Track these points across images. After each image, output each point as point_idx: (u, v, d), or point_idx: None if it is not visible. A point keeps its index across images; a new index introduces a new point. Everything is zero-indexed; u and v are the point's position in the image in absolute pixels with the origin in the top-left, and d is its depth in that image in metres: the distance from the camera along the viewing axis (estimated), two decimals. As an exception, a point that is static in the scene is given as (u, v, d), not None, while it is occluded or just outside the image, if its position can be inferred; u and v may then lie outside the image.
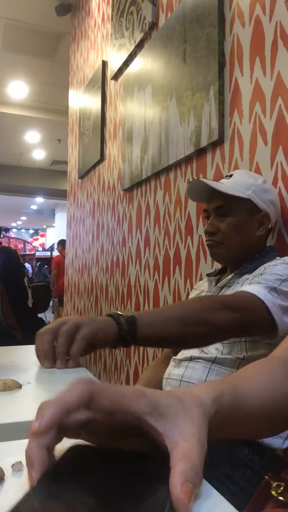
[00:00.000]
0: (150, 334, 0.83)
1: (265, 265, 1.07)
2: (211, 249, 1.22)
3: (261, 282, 0.98)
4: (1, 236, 2.84)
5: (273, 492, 0.40)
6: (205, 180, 1.17)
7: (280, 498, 0.39)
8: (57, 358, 0.76)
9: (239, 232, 1.17)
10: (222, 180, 1.21)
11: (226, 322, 0.89)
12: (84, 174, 3.39)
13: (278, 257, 1.12)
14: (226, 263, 1.25)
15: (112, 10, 2.78)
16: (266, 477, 0.44)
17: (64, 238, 4.20)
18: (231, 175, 1.20)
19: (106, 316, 0.82)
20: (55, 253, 13.41)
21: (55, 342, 0.78)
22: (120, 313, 0.81)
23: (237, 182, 1.17)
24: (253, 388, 0.39)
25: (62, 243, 7.07)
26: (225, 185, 1.17)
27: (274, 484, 0.40)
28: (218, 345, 1.09)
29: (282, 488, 0.40)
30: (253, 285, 0.99)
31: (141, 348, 2.21)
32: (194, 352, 1.11)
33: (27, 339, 2.18)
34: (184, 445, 0.30)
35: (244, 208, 1.17)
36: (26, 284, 2.47)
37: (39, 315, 2.76)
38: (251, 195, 1.16)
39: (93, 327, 0.77)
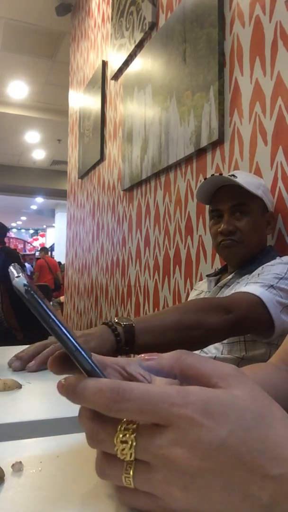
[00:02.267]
0: (147, 341, 0.82)
1: (264, 265, 1.07)
2: (229, 249, 1.17)
3: (258, 282, 0.99)
4: (5, 235, 2.84)
5: None
6: (226, 176, 1.15)
7: None
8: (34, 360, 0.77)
9: (257, 231, 1.17)
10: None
11: (220, 324, 0.89)
12: (84, 174, 3.39)
13: (278, 257, 1.12)
14: (239, 264, 1.19)
15: (112, 10, 2.78)
16: None
17: (62, 239, 4.27)
18: (234, 175, 1.18)
19: (102, 324, 0.81)
20: (54, 253, 13.46)
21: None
22: (117, 321, 0.80)
23: (248, 181, 1.16)
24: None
25: (44, 249, 9.57)
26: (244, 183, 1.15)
27: None
28: (217, 345, 1.09)
29: None
30: (250, 285, 0.99)
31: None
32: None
33: (28, 339, 2.18)
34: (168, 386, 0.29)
35: (258, 207, 1.18)
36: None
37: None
38: (262, 194, 1.17)
39: (86, 342, 0.75)
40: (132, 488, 0.29)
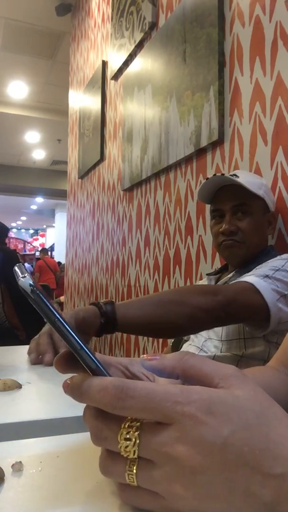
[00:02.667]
0: (128, 312, 0.87)
1: (263, 263, 1.08)
2: (230, 250, 1.17)
3: (253, 274, 0.99)
4: (7, 235, 2.83)
5: None
6: (228, 176, 1.15)
7: None
8: (43, 355, 0.84)
9: (258, 231, 1.17)
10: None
11: (207, 303, 0.89)
12: (84, 174, 3.39)
13: (278, 256, 1.13)
14: (240, 263, 1.19)
15: (112, 10, 2.78)
16: None
17: (62, 239, 4.30)
18: (235, 175, 1.18)
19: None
20: (54, 253, 13.46)
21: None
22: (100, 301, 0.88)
23: (250, 181, 1.16)
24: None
25: (43, 250, 10.10)
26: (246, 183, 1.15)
27: None
28: (216, 343, 1.10)
29: None
30: (246, 276, 1.00)
31: (140, 348, 2.22)
32: (193, 350, 1.12)
33: (30, 339, 2.17)
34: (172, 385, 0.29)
35: (260, 207, 1.18)
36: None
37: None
38: (263, 195, 1.17)
39: (72, 313, 0.82)
40: (135, 486, 0.29)
